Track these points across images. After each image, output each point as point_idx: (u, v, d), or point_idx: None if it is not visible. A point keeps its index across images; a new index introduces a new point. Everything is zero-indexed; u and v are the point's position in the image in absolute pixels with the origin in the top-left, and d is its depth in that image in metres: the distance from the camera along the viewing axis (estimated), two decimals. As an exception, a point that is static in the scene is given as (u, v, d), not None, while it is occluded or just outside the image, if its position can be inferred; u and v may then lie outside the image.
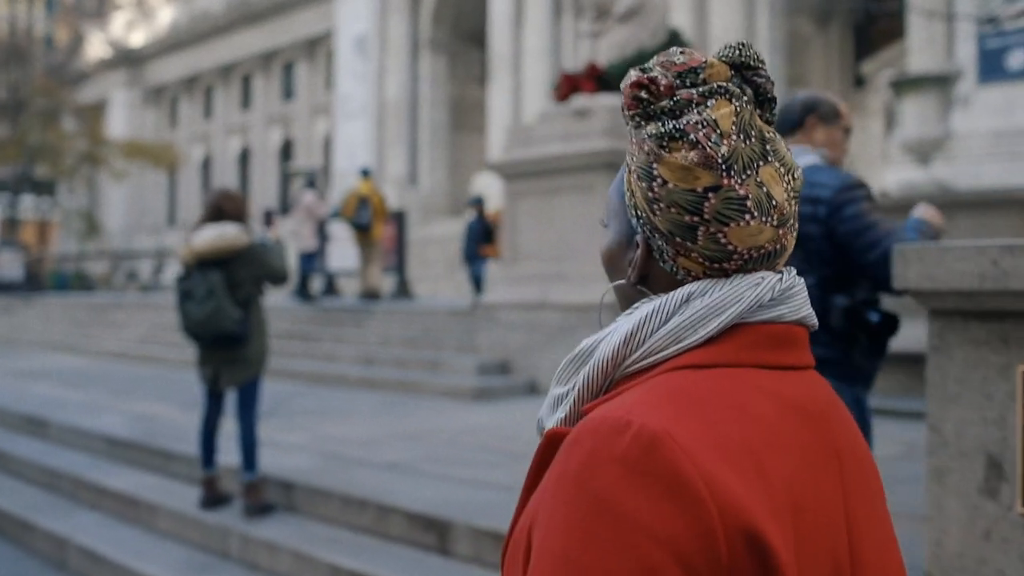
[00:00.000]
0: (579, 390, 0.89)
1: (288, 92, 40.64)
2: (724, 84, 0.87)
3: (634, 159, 0.89)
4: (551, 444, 0.85)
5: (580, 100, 9.42)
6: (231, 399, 5.50)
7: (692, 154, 0.84)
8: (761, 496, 0.77)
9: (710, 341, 0.85)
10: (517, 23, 31.19)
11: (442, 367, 9.75)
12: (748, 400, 0.82)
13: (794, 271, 0.92)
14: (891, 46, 29.26)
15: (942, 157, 21.65)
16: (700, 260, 0.87)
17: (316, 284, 15.52)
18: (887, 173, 22.59)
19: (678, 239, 0.86)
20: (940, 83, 20.73)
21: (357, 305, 13.20)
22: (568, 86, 9.76)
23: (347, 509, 5.00)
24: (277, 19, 39.55)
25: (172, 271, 32.64)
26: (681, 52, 0.89)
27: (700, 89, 0.86)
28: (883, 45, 29.85)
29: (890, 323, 2.99)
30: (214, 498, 5.45)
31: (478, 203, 12.27)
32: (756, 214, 0.85)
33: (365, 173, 14.59)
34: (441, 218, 31.22)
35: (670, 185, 0.85)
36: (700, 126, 0.84)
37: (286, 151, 40.70)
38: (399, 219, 15.44)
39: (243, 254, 5.31)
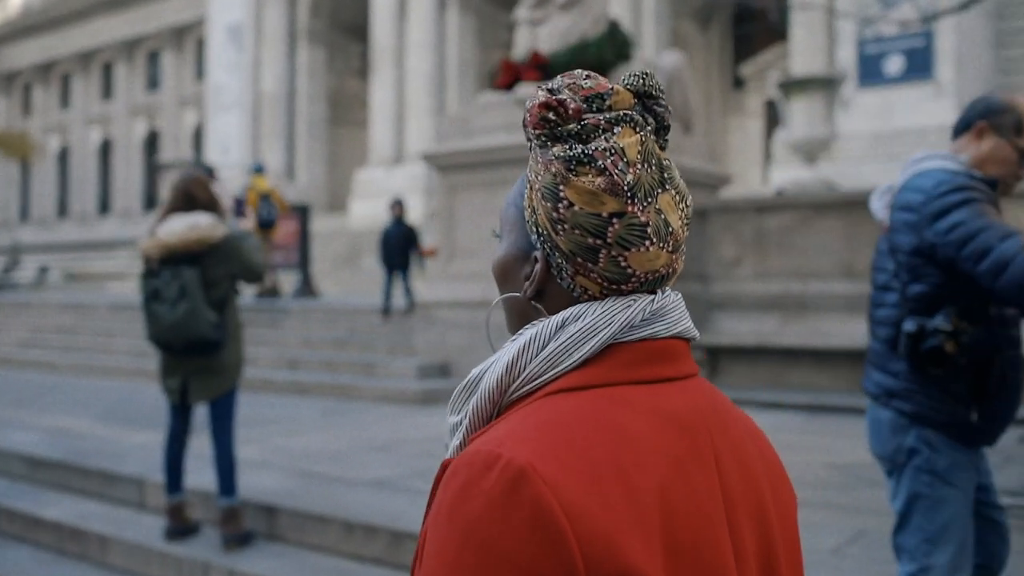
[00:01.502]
0: (470, 419, 0.91)
1: (153, 82, 38.73)
2: (629, 112, 0.89)
3: (539, 178, 0.90)
4: (443, 472, 0.86)
5: (525, 89, 8.98)
6: (201, 414, 4.83)
7: (599, 180, 0.86)
8: (628, 518, 0.79)
9: (585, 363, 0.87)
10: (400, 16, 30.48)
11: (377, 370, 9.13)
12: (620, 418, 0.84)
13: (670, 292, 0.94)
14: (770, 49, 29.98)
15: (827, 157, 22.18)
16: (599, 280, 0.89)
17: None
18: (773, 172, 23.06)
19: (579, 259, 0.88)
20: (826, 85, 21.21)
21: (264, 304, 12.39)
22: (509, 74, 9.30)
23: (350, 536, 4.41)
24: (142, 5, 37.60)
25: (30, 270, 30.53)
26: (587, 76, 0.92)
27: (607, 116, 0.89)
28: (762, 48, 30.55)
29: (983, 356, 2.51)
30: (182, 528, 4.75)
31: (399, 205, 11.49)
32: (655, 240, 0.88)
33: (259, 169, 13.84)
34: (320, 214, 30.27)
35: (576, 208, 0.87)
36: (608, 153, 0.87)
37: (151, 144, 38.80)
38: (303, 213, 14.62)
39: (218, 248, 4.64)
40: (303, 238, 14.42)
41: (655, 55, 19.22)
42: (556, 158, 0.88)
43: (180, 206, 4.69)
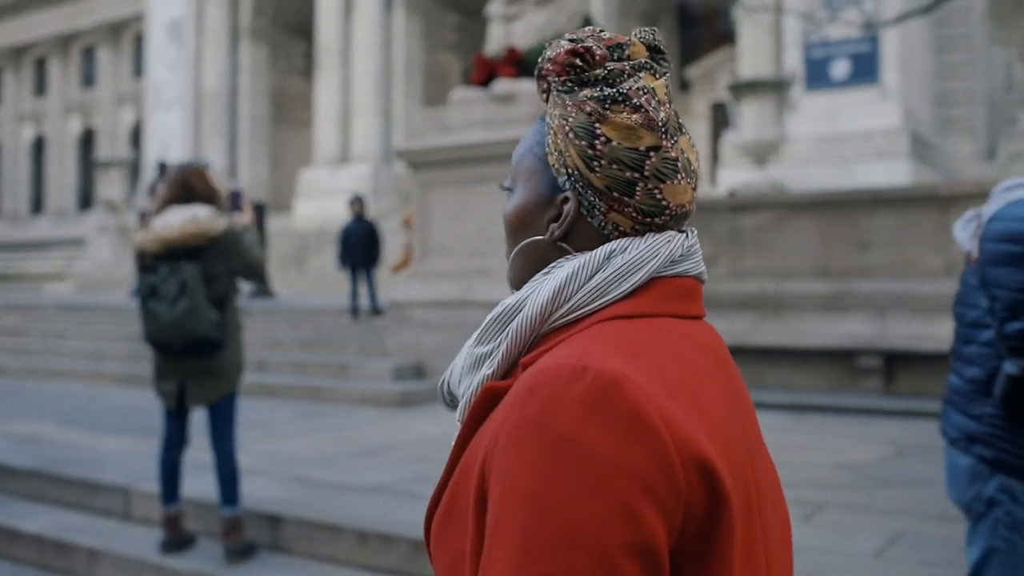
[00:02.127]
0: (507, 346, 0.91)
1: (89, 78, 37.74)
2: (648, 61, 0.94)
3: (569, 120, 0.92)
4: (489, 398, 0.88)
5: (502, 85, 8.81)
6: (196, 418, 4.57)
7: (636, 116, 0.90)
8: (705, 430, 0.82)
9: (631, 294, 0.90)
10: (346, 16, 30.09)
11: (351, 372, 8.88)
12: (676, 344, 0.88)
13: (695, 232, 0.98)
14: (716, 52, 30.21)
15: (775, 159, 22.40)
16: (633, 215, 0.92)
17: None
18: (722, 174, 23.19)
19: (615, 194, 0.91)
20: (776, 88, 21.43)
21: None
22: (484, 70, 9.12)
23: (364, 546, 4.19)
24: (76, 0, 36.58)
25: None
26: (601, 30, 0.96)
27: (631, 63, 0.93)
28: (708, 51, 30.78)
29: None
30: (179, 539, 4.47)
31: (359, 202, 11.14)
32: (684, 175, 0.93)
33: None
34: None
35: (614, 143, 0.90)
36: (641, 92, 0.91)
37: (87, 142, 37.79)
38: (259, 211, 14.23)
39: (218, 243, 4.39)
40: (259, 237, 14.04)
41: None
42: (590, 98, 0.91)
43: (178, 198, 4.44)
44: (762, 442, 0.99)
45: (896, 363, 8.42)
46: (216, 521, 4.58)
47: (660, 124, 0.91)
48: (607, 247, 0.92)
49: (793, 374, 8.91)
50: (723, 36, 28.95)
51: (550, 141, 0.96)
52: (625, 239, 0.92)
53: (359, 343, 9.45)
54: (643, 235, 0.93)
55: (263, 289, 14.14)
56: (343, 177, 28.90)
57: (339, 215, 27.35)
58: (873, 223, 9.00)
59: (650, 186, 0.91)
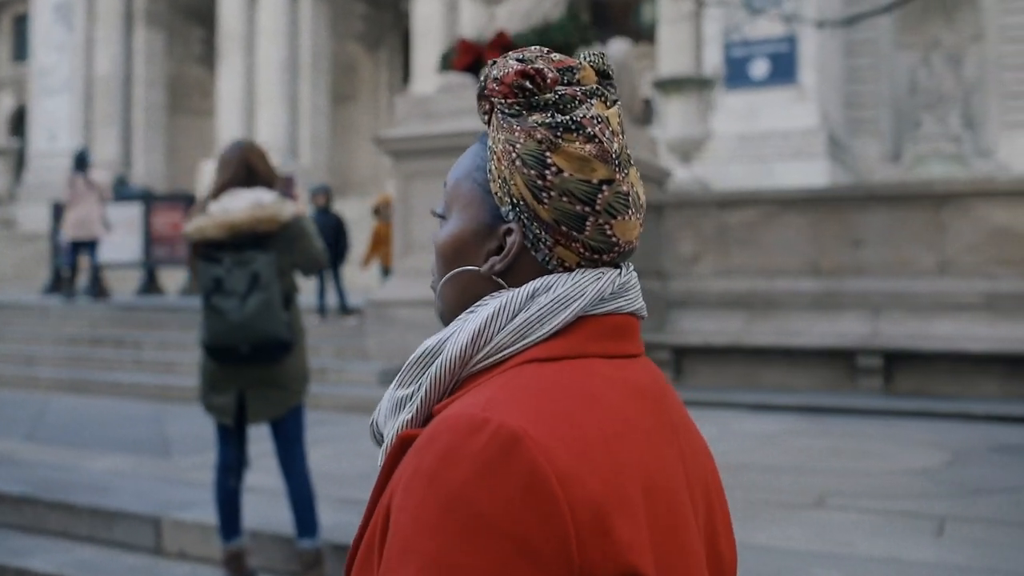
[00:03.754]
0: (426, 390, 0.88)
1: (-36, 61, 35.36)
2: (599, 87, 0.90)
3: (517, 146, 0.88)
4: (403, 445, 0.84)
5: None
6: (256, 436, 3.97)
7: (589, 147, 0.86)
8: (615, 489, 0.78)
9: (556, 335, 0.87)
10: (250, 1, 28.96)
11: (329, 376, 8.25)
12: (597, 389, 0.84)
13: (631, 267, 0.94)
14: (635, 48, 30.23)
15: (698, 157, 22.46)
16: (581, 250, 0.88)
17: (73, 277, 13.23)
18: (644, 171, 23.14)
19: (563, 228, 0.87)
20: (702, 86, 21.44)
21: (171, 303, 11.16)
22: (470, 55, 8.61)
23: None
24: (-49, -24, 34.25)
25: None
26: (548, 51, 0.92)
27: (582, 88, 0.89)
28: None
29: None
30: (242, 578, 3.87)
31: (324, 192, 10.34)
32: (633, 209, 0.90)
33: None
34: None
35: (565, 174, 0.86)
36: (595, 121, 0.87)
37: (-38, 128, 35.39)
38: (190, 204, 13.29)
39: (284, 232, 3.81)
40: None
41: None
42: (540, 124, 0.87)
43: (239, 179, 3.83)
44: (714, 471, 0.97)
45: (894, 363, 8.29)
46: (275, 554, 3.99)
47: (614, 156, 0.88)
48: (530, 285, 0.88)
49: (788, 374, 8.69)
50: (639, 33, 28.99)
51: (493, 167, 0.90)
52: (551, 276, 0.88)
53: (334, 345, 8.81)
54: (600, 267, 0.90)
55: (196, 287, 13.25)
56: (248, 169, 27.82)
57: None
58: (865, 220, 8.87)
59: (600, 221, 0.87)
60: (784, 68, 23.24)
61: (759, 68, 23.60)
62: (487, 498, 0.74)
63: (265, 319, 3.65)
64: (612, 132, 0.88)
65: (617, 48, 10.08)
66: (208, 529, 4.22)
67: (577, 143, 0.86)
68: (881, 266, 8.75)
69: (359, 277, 12.78)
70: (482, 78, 0.92)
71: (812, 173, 21.84)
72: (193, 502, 4.59)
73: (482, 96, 0.92)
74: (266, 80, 28.78)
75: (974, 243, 8.39)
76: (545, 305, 0.86)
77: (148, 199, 13.59)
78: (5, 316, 11.53)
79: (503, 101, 0.89)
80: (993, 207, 8.42)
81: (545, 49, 0.92)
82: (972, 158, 24.64)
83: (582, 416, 0.80)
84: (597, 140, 0.86)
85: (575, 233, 0.87)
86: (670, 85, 22.46)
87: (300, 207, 4.40)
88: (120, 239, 13.05)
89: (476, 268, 0.91)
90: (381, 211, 10.91)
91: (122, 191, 14.96)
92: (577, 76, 0.89)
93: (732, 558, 0.95)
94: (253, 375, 3.79)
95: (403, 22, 32.78)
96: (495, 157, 0.90)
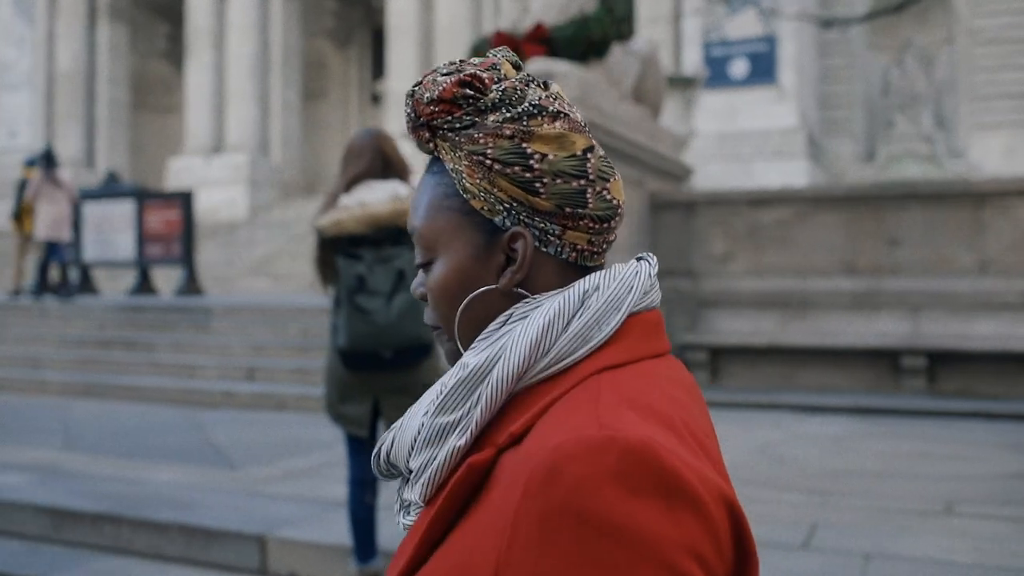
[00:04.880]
0: (481, 411, 0.80)
1: (-84, 54, 34.16)
2: (528, 75, 0.89)
3: (488, 152, 0.84)
4: (475, 474, 0.78)
5: (539, 64, 8.06)
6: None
7: (559, 123, 0.85)
8: (723, 480, 0.78)
9: (611, 339, 0.83)
10: (220, -5, 28.35)
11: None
12: (668, 390, 0.82)
13: (654, 258, 0.91)
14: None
15: (681, 156, 22.36)
16: (590, 225, 0.86)
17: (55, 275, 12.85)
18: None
19: (568, 209, 0.85)
20: (684, 85, 21.40)
21: (174, 303, 10.73)
22: (507, 48, 8.35)
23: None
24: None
25: None
26: (458, 61, 0.90)
27: (517, 78, 0.87)
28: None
29: None
30: (378, 605, 3.58)
31: None
32: (614, 169, 0.89)
33: (31, 163, 13.04)
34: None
35: (550, 156, 0.84)
36: (552, 99, 0.86)
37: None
38: (186, 201, 12.83)
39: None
40: (186, 228, 12.67)
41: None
42: (504, 121, 0.85)
43: (376, 170, 3.55)
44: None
45: (937, 363, 8.20)
46: None
47: (583, 125, 0.87)
48: (579, 286, 0.84)
49: (827, 375, 8.57)
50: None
51: (467, 185, 0.86)
52: (594, 274, 0.85)
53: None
54: (596, 256, 0.88)
55: (192, 286, 12.81)
56: (217, 167, 27.30)
57: (214, 206, 25.71)
58: (902, 219, 8.77)
59: (599, 188, 0.86)
60: (764, 68, 23.30)
61: (739, 68, 23.62)
62: (645, 515, 0.69)
63: (411, 320, 3.38)
64: (569, 104, 0.87)
65: (645, 42, 9.91)
66: (322, 548, 3.95)
67: (546, 124, 0.84)
68: (919, 265, 8.66)
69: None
70: (408, 111, 0.89)
71: (792, 173, 21.90)
72: (295, 518, 4.29)
73: (418, 127, 0.88)
74: (236, 76, 28.21)
75: (1015, 242, 8.33)
76: (600, 307, 0.83)
77: (141, 196, 13.10)
78: (3, 317, 11.02)
79: (448, 119, 0.86)
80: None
81: (457, 60, 0.89)
82: (944, 158, 24.91)
83: (677, 422, 0.78)
84: (563, 115, 0.85)
85: (580, 210, 0.84)
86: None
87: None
88: (111, 237, 12.58)
89: (493, 286, 0.86)
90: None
91: (113, 187, 14.46)
92: (503, 72, 0.87)
93: None
94: (390, 382, 3.52)
95: (373, 18, 32.39)
96: (464, 175, 0.86)
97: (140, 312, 10.43)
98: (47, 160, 12.26)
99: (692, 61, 23.45)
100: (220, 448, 6.05)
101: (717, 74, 23.37)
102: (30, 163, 13.39)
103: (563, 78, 7.93)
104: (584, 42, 8.36)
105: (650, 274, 0.87)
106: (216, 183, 26.77)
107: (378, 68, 31.72)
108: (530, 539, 0.70)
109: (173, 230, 12.71)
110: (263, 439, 6.38)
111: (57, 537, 4.54)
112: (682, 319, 9.11)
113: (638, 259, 0.89)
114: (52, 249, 12.26)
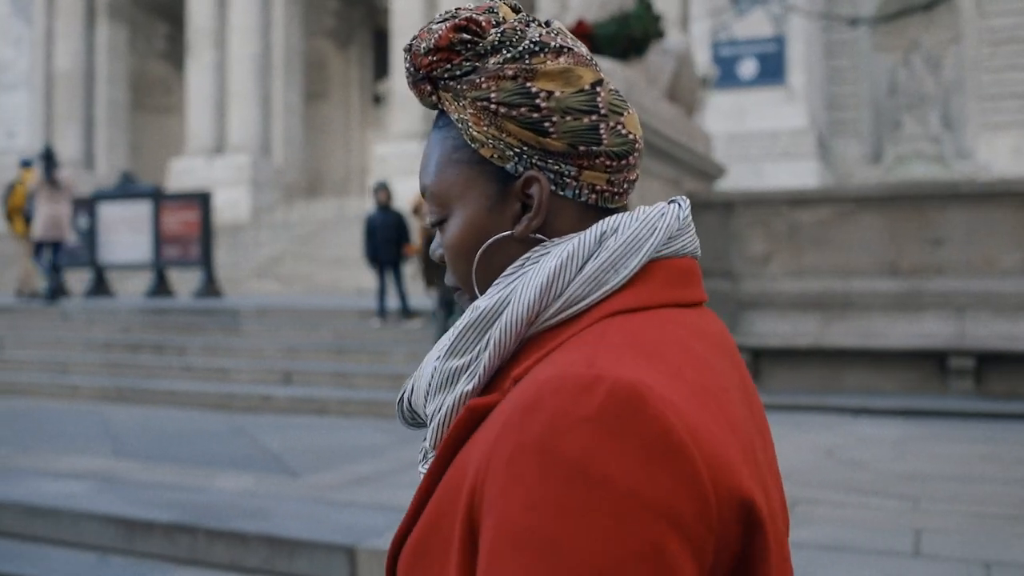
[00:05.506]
0: (488, 356, 0.77)
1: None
2: (526, 16, 0.85)
3: (491, 97, 0.80)
4: (473, 417, 0.75)
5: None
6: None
7: (563, 58, 0.81)
8: (733, 443, 0.72)
9: (629, 283, 0.79)
10: (221, -4, 28.16)
11: (401, 382, 7.79)
12: (687, 340, 0.77)
13: (688, 201, 0.86)
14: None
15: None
16: (607, 163, 0.82)
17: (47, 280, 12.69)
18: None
19: (582, 148, 0.80)
20: (702, 84, 21.28)
21: (196, 305, 10.56)
22: (547, 44, 8.22)
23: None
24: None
25: None
26: (453, 9, 0.85)
27: (516, 19, 0.84)
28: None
29: None
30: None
31: (384, 189, 9.74)
32: (627, 103, 0.85)
33: (27, 164, 13.08)
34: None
35: (557, 93, 0.80)
36: (553, 34, 0.83)
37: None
38: (204, 202, 12.67)
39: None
40: (204, 230, 12.50)
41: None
42: (505, 62, 0.80)
43: None
44: (770, 437, 0.85)
45: (985, 364, 8.09)
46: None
47: (588, 58, 0.83)
48: (597, 227, 0.79)
49: (871, 376, 8.45)
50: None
51: (474, 134, 0.81)
52: (614, 216, 0.80)
53: (404, 350, 8.32)
54: (618, 197, 0.83)
55: (211, 288, 12.64)
56: (219, 167, 27.09)
57: (217, 207, 25.50)
58: (946, 219, 8.66)
59: (612, 123, 0.81)
60: (772, 68, 23.23)
61: (747, 68, 23.55)
62: (617, 464, 0.65)
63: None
64: (573, 39, 0.84)
65: (678, 41, 9.79)
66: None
67: (549, 60, 0.80)
68: (964, 266, 8.55)
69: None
70: (407, 66, 0.85)
71: (801, 174, 21.86)
72: (380, 528, 4.14)
73: (418, 81, 0.84)
74: (238, 77, 28.01)
75: (1062, 242, 8.24)
76: (617, 248, 0.78)
77: (157, 197, 12.92)
78: (22, 320, 10.83)
79: (448, 67, 0.82)
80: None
81: (453, 8, 0.85)
82: (952, 159, 24.88)
83: (686, 369, 0.73)
84: (567, 49, 0.81)
85: (594, 147, 0.80)
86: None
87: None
88: (128, 238, 12.41)
89: (509, 232, 0.82)
90: (420, 211, 10.47)
91: (129, 188, 14.27)
92: (501, 14, 0.83)
93: (787, 522, 0.85)
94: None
95: (375, 19, 32.24)
96: (470, 124, 0.82)
97: (164, 314, 10.25)
98: (47, 160, 12.02)
99: (701, 61, 23.33)
100: (275, 455, 5.89)
101: (726, 74, 23.30)
102: (25, 164, 13.13)
103: (607, 76, 7.79)
104: (625, 39, 8.23)
105: (679, 216, 0.82)
106: (219, 184, 26.56)
107: (379, 68, 31.58)
108: (504, 472, 0.66)
109: (191, 231, 12.54)
110: (316, 445, 6.22)
111: (129, 548, 4.37)
112: (721, 320, 8.98)
113: (670, 202, 0.85)
114: (56, 249, 12.01)
